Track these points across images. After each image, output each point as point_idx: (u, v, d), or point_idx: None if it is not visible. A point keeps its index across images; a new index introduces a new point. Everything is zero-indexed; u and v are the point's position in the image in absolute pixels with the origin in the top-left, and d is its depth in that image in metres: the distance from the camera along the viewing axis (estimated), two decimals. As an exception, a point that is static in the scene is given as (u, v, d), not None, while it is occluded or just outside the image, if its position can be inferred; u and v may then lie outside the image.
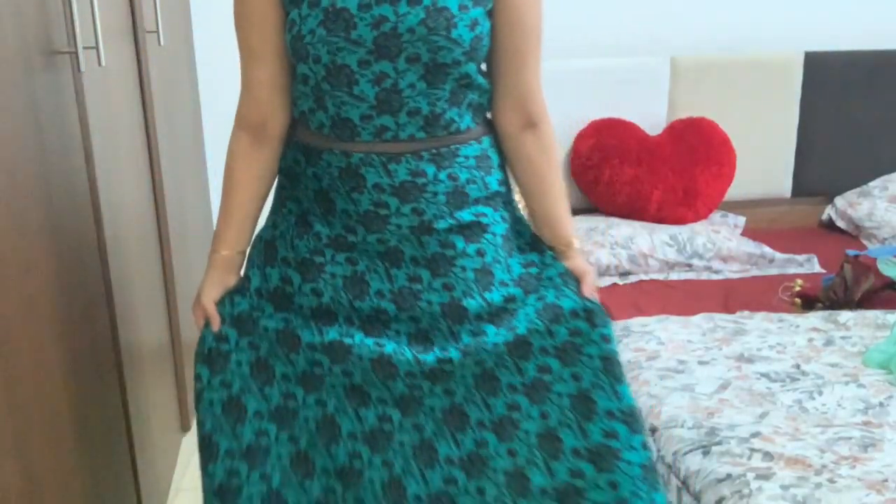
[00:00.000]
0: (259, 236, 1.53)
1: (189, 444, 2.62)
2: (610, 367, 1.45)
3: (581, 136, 3.01)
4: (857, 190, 3.20)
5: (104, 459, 1.61)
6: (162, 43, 2.28)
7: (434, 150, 1.40)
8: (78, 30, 1.47)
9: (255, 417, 1.47)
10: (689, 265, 2.78)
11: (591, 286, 1.52)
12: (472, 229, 1.44)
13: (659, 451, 1.79)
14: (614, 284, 2.71)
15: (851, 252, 2.56)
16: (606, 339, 1.46)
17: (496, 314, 1.44)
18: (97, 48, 1.58)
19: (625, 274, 2.75)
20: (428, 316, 1.43)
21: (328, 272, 1.45)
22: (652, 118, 3.06)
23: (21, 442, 1.20)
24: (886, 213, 3.02)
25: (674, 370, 2.04)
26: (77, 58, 1.48)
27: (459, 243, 1.43)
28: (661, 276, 2.75)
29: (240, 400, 1.47)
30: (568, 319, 1.46)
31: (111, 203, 1.76)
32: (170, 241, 2.34)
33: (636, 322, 2.34)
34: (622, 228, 2.84)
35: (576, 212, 3.07)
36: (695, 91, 3.06)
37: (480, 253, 1.45)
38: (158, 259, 2.28)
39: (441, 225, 1.42)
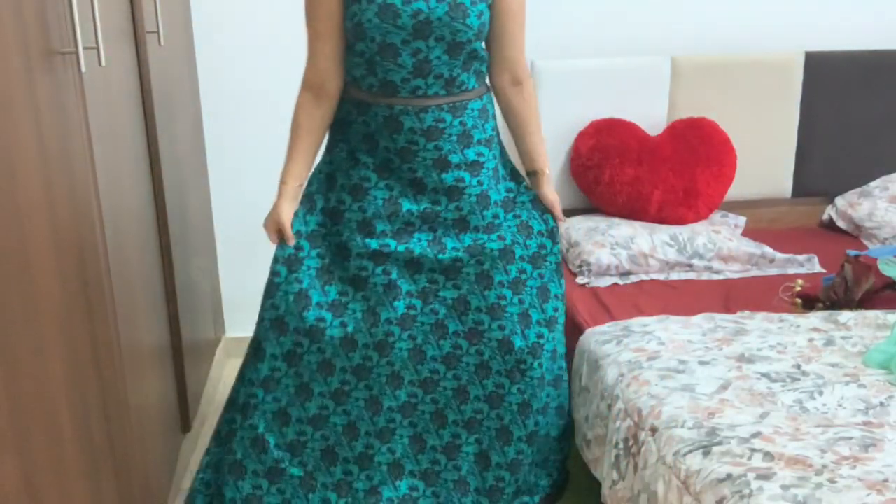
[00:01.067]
0: (319, 170, 2.11)
1: (189, 445, 2.62)
2: (559, 269, 2.21)
3: (581, 136, 3.01)
4: (858, 190, 3.20)
5: (104, 459, 1.61)
6: (162, 43, 2.28)
7: (451, 104, 1.99)
8: (78, 30, 1.47)
9: (317, 307, 2.04)
10: (690, 265, 2.78)
11: (559, 211, 2.22)
12: (475, 166, 2.05)
13: (659, 451, 1.79)
14: (615, 284, 2.71)
15: (852, 252, 2.56)
16: (559, 252, 2.22)
17: (487, 228, 2.09)
18: (98, 48, 1.59)
19: (625, 274, 2.75)
20: (442, 227, 2.07)
21: (372, 194, 2.04)
22: (652, 118, 3.06)
23: (21, 442, 1.20)
24: (887, 213, 3.02)
25: (674, 370, 2.04)
26: (78, 58, 1.48)
27: (467, 177, 2.05)
28: (661, 277, 2.75)
29: (307, 293, 2.04)
30: (536, 236, 2.17)
31: (112, 203, 1.77)
32: (170, 240, 2.34)
33: (636, 322, 2.34)
34: (622, 228, 2.84)
35: (576, 212, 3.10)
36: (695, 91, 3.06)
37: (480, 183, 2.07)
38: (159, 259, 2.28)
39: (454, 159, 2.02)
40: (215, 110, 3.05)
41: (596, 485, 2.17)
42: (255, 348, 2.08)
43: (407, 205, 2.03)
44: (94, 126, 1.64)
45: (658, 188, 2.93)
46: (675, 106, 3.07)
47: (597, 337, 2.30)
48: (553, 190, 2.22)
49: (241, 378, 2.12)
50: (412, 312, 2.07)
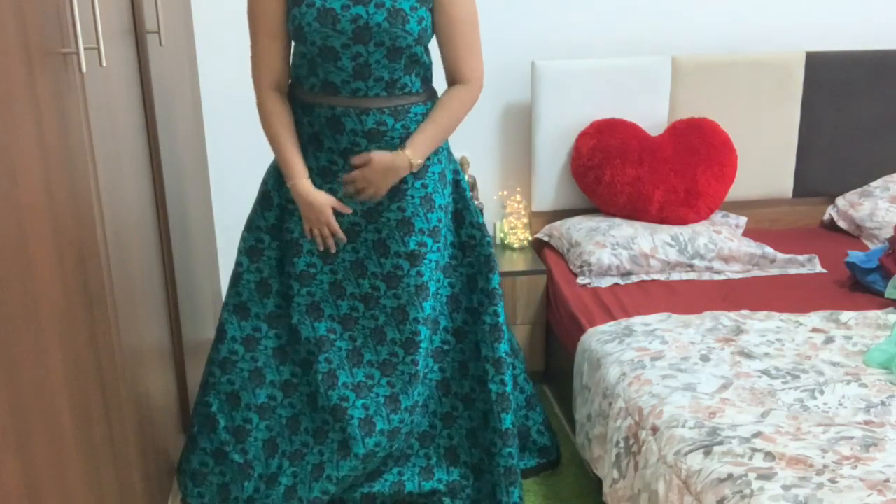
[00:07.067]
0: (274, 166, 2.17)
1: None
2: (489, 262, 2.26)
3: (582, 137, 3.01)
4: (859, 190, 3.20)
5: (105, 459, 1.60)
6: (163, 43, 2.28)
7: (393, 108, 2.02)
8: (79, 30, 1.47)
9: (276, 294, 2.23)
10: (691, 265, 2.78)
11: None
12: (419, 169, 2.08)
13: (660, 450, 1.79)
14: (615, 284, 2.70)
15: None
16: (490, 244, 2.27)
17: (432, 232, 2.14)
18: (98, 49, 1.58)
19: (626, 274, 2.75)
20: (386, 228, 2.13)
21: None
22: (653, 118, 3.06)
23: (21, 442, 1.19)
24: (888, 213, 3.02)
25: (675, 370, 2.04)
26: (78, 58, 1.48)
27: (410, 179, 2.09)
28: (662, 277, 2.75)
29: (268, 281, 2.23)
30: (472, 232, 2.26)
31: (112, 203, 1.76)
32: (171, 240, 2.34)
33: (638, 321, 2.34)
34: (623, 229, 2.84)
35: (577, 212, 3.10)
36: (696, 91, 3.06)
37: (424, 186, 2.12)
38: (159, 259, 2.28)
39: None
40: (215, 110, 3.05)
41: (597, 483, 2.17)
42: (219, 331, 2.27)
43: (351, 205, 2.10)
44: (95, 126, 1.64)
45: (659, 188, 2.92)
46: (676, 106, 3.07)
47: (598, 336, 2.30)
48: (391, 158, 2.04)
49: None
50: (354, 316, 2.20)
